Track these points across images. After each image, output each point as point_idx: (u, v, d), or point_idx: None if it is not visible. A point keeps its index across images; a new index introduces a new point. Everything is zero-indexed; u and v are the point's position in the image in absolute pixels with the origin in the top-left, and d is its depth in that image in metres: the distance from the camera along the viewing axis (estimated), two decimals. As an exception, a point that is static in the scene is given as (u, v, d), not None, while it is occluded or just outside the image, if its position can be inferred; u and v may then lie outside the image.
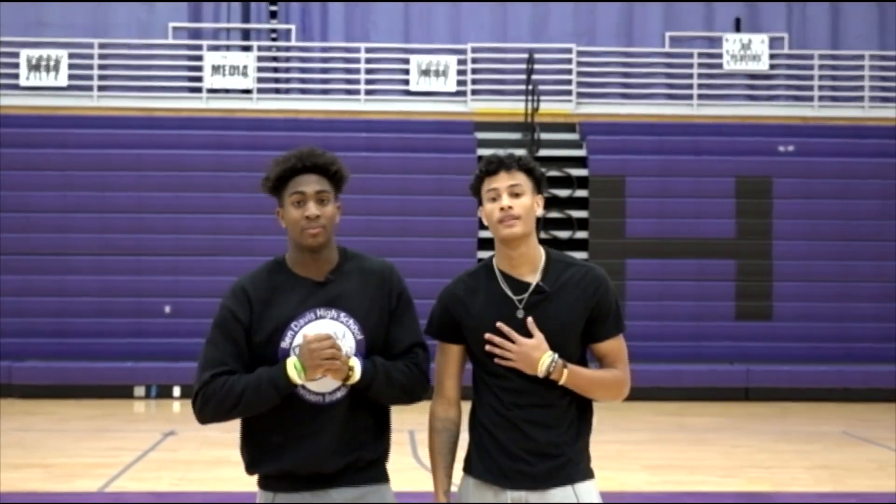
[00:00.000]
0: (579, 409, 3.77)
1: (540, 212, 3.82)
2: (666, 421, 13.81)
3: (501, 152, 3.86)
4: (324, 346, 3.56)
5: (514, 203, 3.73)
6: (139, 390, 15.36)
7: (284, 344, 3.66)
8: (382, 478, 3.81)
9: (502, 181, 3.76)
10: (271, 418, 3.67)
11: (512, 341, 3.67)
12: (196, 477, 9.71)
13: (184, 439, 11.87)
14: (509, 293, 3.73)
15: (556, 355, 3.67)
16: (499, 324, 3.66)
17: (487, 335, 3.70)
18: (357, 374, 3.62)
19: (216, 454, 10.79)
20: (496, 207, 3.75)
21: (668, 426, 13.41)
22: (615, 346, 3.84)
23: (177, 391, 15.21)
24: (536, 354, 3.66)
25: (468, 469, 3.81)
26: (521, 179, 3.77)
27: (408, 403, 3.78)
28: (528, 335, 3.68)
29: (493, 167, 3.79)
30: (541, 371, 3.66)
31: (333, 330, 3.66)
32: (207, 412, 3.68)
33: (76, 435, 12.22)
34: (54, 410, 14.03)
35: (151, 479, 9.58)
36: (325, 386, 3.66)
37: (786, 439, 12.32)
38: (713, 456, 11.16)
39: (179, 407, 14.66)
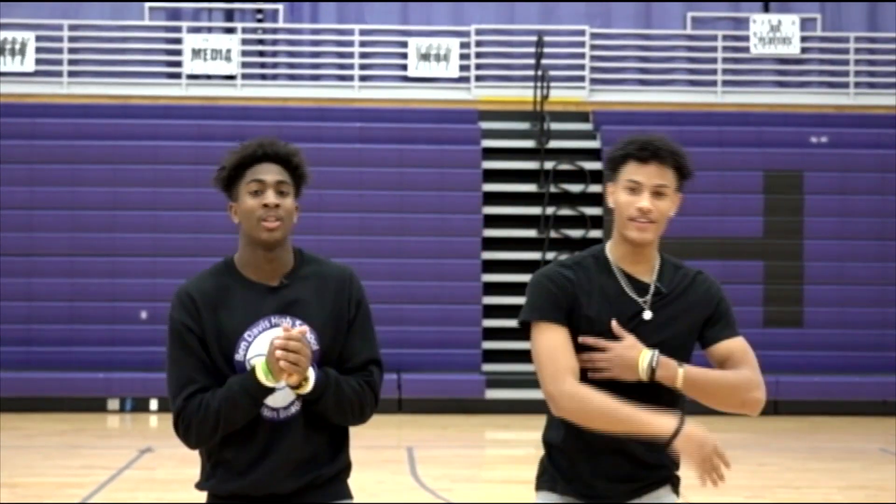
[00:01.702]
0: None
1: (674, 211, 3.77)
2: (687, 437, 13.80)
3: (655, 137, 3.73)
4: (294, 345, 3.55)
5: (655, 205, 3.65)
6: (113, 403, 15.38)
7: (238, 356, 3.67)
8: (344, 494, 3.82)
9: (650, 175, 3.67)
10: (225, 435, 3.69)
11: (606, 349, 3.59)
12: (175, 497, 9.72)
13: (161, 456, 11.88)
14: (631, 293, 3.68)
15: (657, 351, 3.60)
16: (614, 323, 3.60)
17: (587, 341, 3.59)
18: (311, 384, 3.63)
19: (196, 473, 10.80)
20: (633, 203, 3.64)
21: (689, 442, 13.40)
22: (739, 346, 3.76)
23: (154, 404, 15.22)
24: (633, 353, 3.57)
25: (548, 487, 3.73)
26: (669, 178, 3.71)
27: (352, 424, 3.77)
28: (650, 337, 3.63)
29: (645, 155, 3.67)
30: (642, 370, 3.56)
31: None
32: (192, 438, 3.70)
33: (44, 452, 12.23)
34: (20, 425, 14.04)
35: (127, 500, 9.59)
36: (279, 401, 3.68)
37: (817, 457, 12.33)
38: (739, 475, 11.15)
39: (157, 421, 14.67)
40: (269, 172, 3.69)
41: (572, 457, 3.68)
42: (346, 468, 3.82)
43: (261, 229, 3.66)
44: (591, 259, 3.73)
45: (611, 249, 3.74)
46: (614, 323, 3.59)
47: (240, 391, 3.61)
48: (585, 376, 3.58)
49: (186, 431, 3.67)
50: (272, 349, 3.57)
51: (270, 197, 3.66)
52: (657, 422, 3.56)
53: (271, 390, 3.63)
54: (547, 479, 3.74)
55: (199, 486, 3.83)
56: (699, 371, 3.64)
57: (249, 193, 3.68)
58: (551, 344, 3.62)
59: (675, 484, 3.78)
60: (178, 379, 3.67)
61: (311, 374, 3.63)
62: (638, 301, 3.67)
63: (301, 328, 3.61)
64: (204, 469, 3.81)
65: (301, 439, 3.69)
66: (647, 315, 3.66)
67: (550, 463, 3.73)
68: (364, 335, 3.76)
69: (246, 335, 3.68)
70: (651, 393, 3.59)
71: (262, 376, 3.59)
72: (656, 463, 3.70)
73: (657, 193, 3.66)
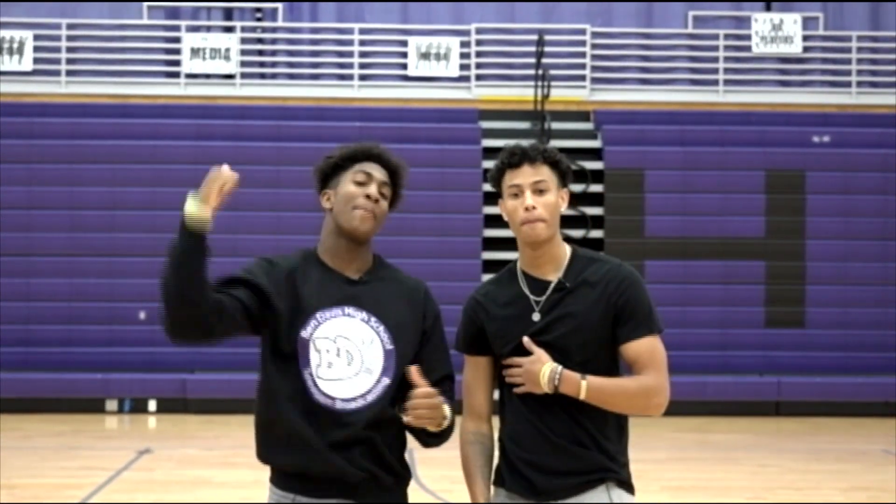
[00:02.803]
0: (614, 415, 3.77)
1: (564, 208, 3.84)
2: (688, 438, 13.82)
3: (524, 143, 3.86)
4: (428, 403, 3.61)
5: (538, 202, 3.75)
6: (111, 404, 15.38)
7: (305, 333, 3.69)
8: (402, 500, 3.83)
9: (526, 176, 3.77)
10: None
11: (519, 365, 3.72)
12: (174, 499, 9.72)
13: (160, 458, 11.89)
14: (528, 293, 3.76)
15: (560, 367, 3.66)
16: (525, 339, 3.69)
17: (505, 360, 3.74)
18: (447, 419, 3.68)
19: (195, 474, 10.82)
20: (519, 206, 3.76)
21: (690, 444, 13.42)
22: (645, 349, 3.76)
23: (152, 405, 15.22)
24: (536, 368, 3.67)
25: (499, 482, 3.81)
26: (545, 174, 3.80)
27: (433, 446, 3.79)
28: (547, 340, 3.71)
29: (515, 159, 3.79)
30: (545, 384, 3.65)
31: (361, 335, 3.69)
32: (166, 309, 3.77)
33: (42, 453, 12.23)
34: (19, 426, 14.04)
35: (125, 501, 9.59)
36: (344, 391, 3.68)
37: (819, 458, 12.33)
38: (740, 476, 11.17)
39: (155, 422, 14.68)
40: (378, 171, 3.82)
41: (514, 453, 3.76)
42: (405, 479, 3.83)
43: (355, 217, 3.75)
44: (507, 273, 3.86)
45: (519, 257, 3.85)
46: (525, 339, 3.69)
47: (177, 230, 3.63)
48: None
49: (162, 307, 3.75)
50: (212, 176, 3.60)
51: (373, 190, 3.78)
52: (474, 497, 3.75)
53: (201, 222, 3.60)
54: (496, 475, 3.83)
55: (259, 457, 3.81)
56: (601, 382, 3.67)
57: (354, 182, 3.79)
58: (466, 379, 3.85)
59: (621, 483, 3.76)
60: (224, 275, 3.72)
61: (447, 409, 3.67)
62: (532, 300, 3.76)
63: (413, 369, 3.63)
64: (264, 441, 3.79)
65: (359, 435, 3.66)
66: (536, 317, 3.73)
67: (501, 459, 3.82)
68: (441, 350, 3.82)
69: (318, 315, 3.71)
70: (574, 401, 3.69)
71: (193, 205, 3.60)
72: (594, 462, 3.72)
73: (538, 191, 3.75)
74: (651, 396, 3.76)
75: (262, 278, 3.72)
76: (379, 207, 3.79)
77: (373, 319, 3.72)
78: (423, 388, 3.60)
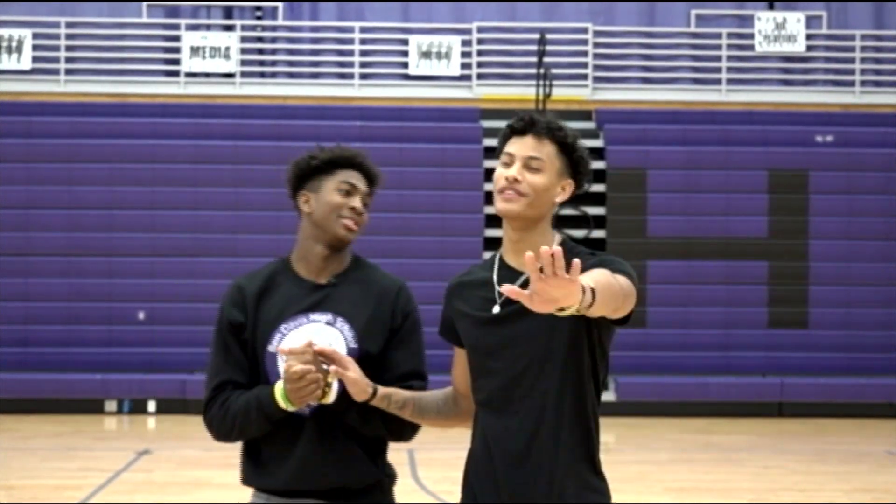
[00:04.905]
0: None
1: (562, 199, 3.50)
2: (691, 439, 13.82)
3: (538, 114, 3.51)
4: (306, 379, 3.56)
5: (525, 176, 3.43)
6: (110, 405, 15.38)
7: (271, 347, 3.73)
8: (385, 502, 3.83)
9: (524, 147, 3.45)
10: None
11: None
12: (173, 500, 9.72)
13: (159, 459, 11.89)
14: (496, 283, 3.48)
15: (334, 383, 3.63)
16: (507, 287, 2.91)
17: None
18: (332, 395, 3.64)
19: (195, 475, 10.81)
20: (502, 175, 3.45)
21: (693, 445, 13.42)
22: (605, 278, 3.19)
23: (151, 406, 15.23)
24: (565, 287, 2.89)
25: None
26: (547, 153, 3.45)
27: (392, 440, 3.78)
28: (505, 334, 3.41)
29: (520, 126, 3.48)
30: (578, 300, 2.94)
31: (327, 338, 3.69)
32: (213, 433, 3.82)
33: (41, 454, 12.24)
34: (17, 427, 14.04)
35: (124, 502, 9.59)
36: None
37: (823, 459, 12.33)
38: (743, 478, 11.17)
39: (154, 423, 14.68)
40: (361, 182, 3.87)
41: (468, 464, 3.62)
42: (389, 477, 3.83)
43: (340, 225, 3.79)
44: (491, 259, 3.58)
45: (503, 244, 3.56)
46: (507, 286, 2.96)
47: (256, 407, 3.67)
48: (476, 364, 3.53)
49: (209, 426, 3.81)
50: (286, 377, 3.59)
51: (358, 203, 3.84)
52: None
53: (287, 412, 3.65)
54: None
55: (243, 481, 3.88)
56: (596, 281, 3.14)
57: (338, 191, 3.82)
58: (453, 368, 3.72)
59: None
60: (213, 368, 3.83)
61: (335, 385, 3.64)
62: (497, 292, 3.46)
63: (305, 346, 3.61)
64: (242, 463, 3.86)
65: (324, 438, 3.69)
66: (496, 309, 3.45)
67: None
68: (408, 347, 3.81)
69: (282, 327, 3.74)
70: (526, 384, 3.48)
71: (280, 400, 3.63)
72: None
73: (530, 167, 3.43)
74: (628, 296, 3.26)
75: (234, 329, 3.78)
76: (362, 219, 3.84)
77: (338, 320, 3.73)
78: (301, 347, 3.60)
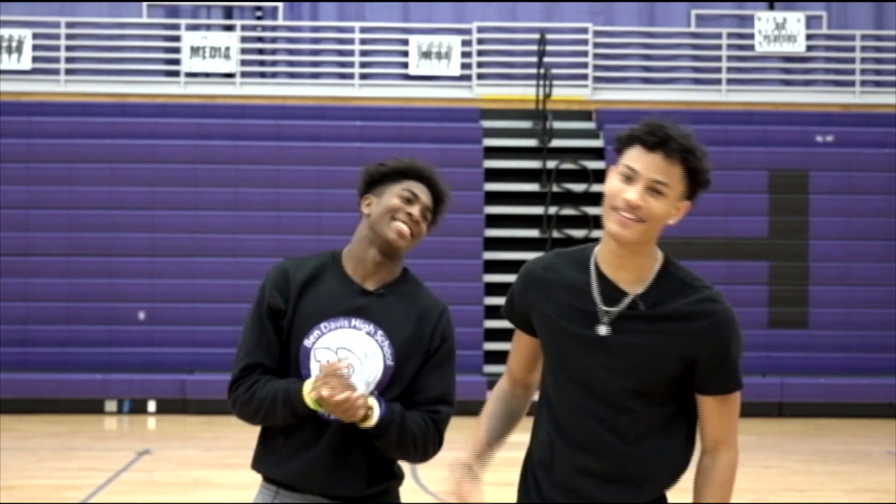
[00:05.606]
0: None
1: (675, 221, 3.28)
2: (691, 439, 13.81)
3: (672, 128, 3.20)
4: (338, 399, 3.53)
5: (646, 202, 3.17)
6: (110, 405, 15.38)
7: (308, 342, 3.70)
8: None
9: (651, 167, 3.17)
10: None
11: None
12: (173, 500, 9.72)
13: (159, 459, 11.89)
14: (597, 299, 3.27)
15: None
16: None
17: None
18: (374, 420, 3.61)
19: (195, 475, 10.81)
20: (622, 192, 3.18)
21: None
22: (714, 409, 3.49)
23: (152, 406, 15.22)
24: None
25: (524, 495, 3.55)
26: (675, 176, 3.18)
27: (412, 462, 3.78)
28: (607, 358, 3.23)
29: (652, 141, 3.16)
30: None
31: (365, 348, 3.68)
32: (236, 414, 3.78)
33: (41, 454, 12.24)
34: (17, 427, 14.04)
35: (124, 502, 9.59)
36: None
37: (823, 460, 12.33)
38: (742, 478, 11.12)
39: (154, 423, 14.68)
40: (425, 194, 3.80)
41: (529, 464, 3.58)
42: (398, 478, 3.83)
43: (392, 228, 3.72)
44: (580, 252, 3.36)
45: (599, 247, 3.34)
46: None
47: (283, 399, 3.64)
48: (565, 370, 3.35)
49: (233, 405, 3.76)
50: (318, 383, 3.57)
51: (417, 211, 3.75)
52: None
53: (314, 411, 3.63)
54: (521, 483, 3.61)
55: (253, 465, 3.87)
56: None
57: (400, 197, 3.75)
58: (511, 351, 3.57)
59: None
60: (244, 346, 3.75)
61: (376, 409, 3.62)
62: (601, 309, 3.27)
63: (342, 363, 3.60)
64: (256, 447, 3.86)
65: (344, 444, 3.68)
66: (603, 331, 3.25)
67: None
68: (441, 372, 3.75)
69: (322, 325, 3.70)
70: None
71: (309, 401, 3.61)
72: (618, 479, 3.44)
73: (653, 190, 3.17)
74: (735, 471, 3.48)
75: (271, 313, 3.73)
76: (418, 228, 3.76)
77: (379, 333, 3.69)
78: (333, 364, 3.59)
